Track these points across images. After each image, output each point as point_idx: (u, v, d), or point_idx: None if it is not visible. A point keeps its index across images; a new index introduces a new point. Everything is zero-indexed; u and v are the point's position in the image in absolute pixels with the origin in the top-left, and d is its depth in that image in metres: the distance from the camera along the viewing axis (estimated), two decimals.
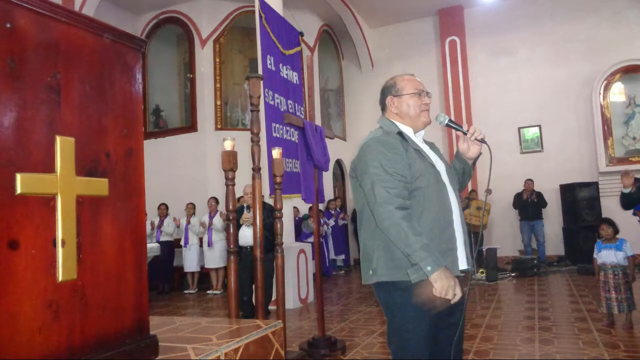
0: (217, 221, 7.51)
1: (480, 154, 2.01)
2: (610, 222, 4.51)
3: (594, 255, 4.52)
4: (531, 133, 9.89)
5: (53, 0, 1.22)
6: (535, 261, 7.86)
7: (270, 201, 4.18)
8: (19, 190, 1.11)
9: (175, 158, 8.92)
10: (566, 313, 4.99)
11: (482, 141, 1.94)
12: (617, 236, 4.44)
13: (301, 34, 4.81)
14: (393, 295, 1.77)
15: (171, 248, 8.04)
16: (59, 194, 1.21)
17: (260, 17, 4.13)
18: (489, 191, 2.84)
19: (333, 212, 9.74)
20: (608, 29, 9.36)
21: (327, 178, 10.03)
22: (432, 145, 2.00)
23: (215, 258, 7.51)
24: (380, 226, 1.72)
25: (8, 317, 1.07)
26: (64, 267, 1.20)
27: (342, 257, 9.91)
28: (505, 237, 9.57)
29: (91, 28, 1.35)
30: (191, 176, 8.72)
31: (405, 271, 1.69)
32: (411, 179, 1.76)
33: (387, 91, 1.98)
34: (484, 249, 7.51)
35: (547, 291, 6.37)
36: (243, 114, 9.32)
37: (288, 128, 4.20)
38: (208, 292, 7.61)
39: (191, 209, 7.99)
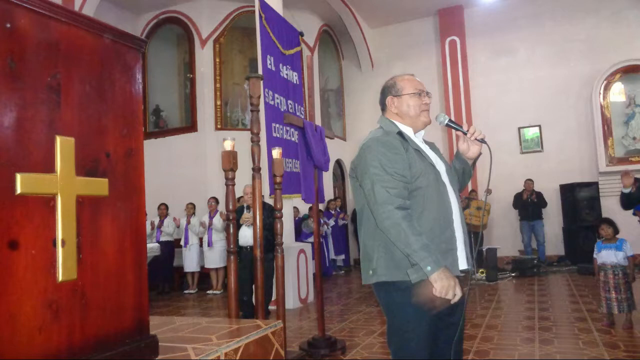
0: (217, 221, 7.51)
1: (480, 154, 2.01)
2: (610, 222, 4.51)
3: (594, 255, 4.52)
4: (531, 133, 9.89)
5: (53, 0, 1.22)
6: (535, 261, 7.86)
7: (270, 201, 4.18)
8: (19, 190, 1.11)
9: (175, 158, 8.92)
10: (566, 313, 4.99)
11: (482, 141, 1.94)
12: (617, 236, 4.44)
13: (301, 34, 4.81)
14: (393, 295, 1.77)
15: (171, 248, 8.04)
16: (59, 194, 1.21)
17: (260, 17, 4.13)
18: (489, 191, 2.84)
19: (333, 212, 9.74)
20: (608, 29, 9.36)
21: (327, 178, 10.03)
22: (432, 145, 2.00)
23: (215, 258, 7.51)
24: (380, 226, 1.72)
25: (8, 317, 1.07)
26: (64, 267, 1.20)
27: (342, 257, 9.90)
28: (505, 237, 9.56)
29: (91, 28, 1.35)
30: (191, 176, 8.72)
31: (405, 271, 1.69)
32: (411, 179, 1.76)
33: (387, 91, 1.98)
34: (484, 249, 7.50)
35: (547, 291, 6.37)
36: (243, 114, 9.32)
37: (288, 128, 4.20)
38: (208, 292, 7.61)
39: (191, 209, 7.99)
